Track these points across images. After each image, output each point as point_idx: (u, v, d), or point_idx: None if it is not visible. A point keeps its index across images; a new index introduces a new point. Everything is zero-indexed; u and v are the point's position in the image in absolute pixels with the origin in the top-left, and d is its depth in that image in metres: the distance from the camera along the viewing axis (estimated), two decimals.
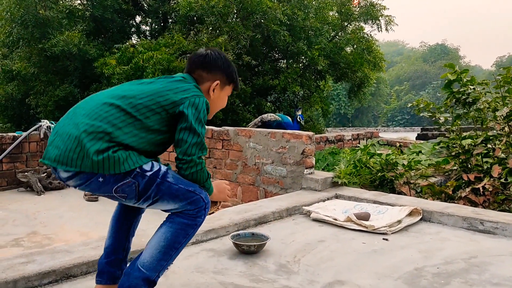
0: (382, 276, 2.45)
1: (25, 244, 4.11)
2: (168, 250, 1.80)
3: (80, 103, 1.87)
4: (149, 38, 13.05)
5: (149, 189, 1.76)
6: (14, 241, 4.21)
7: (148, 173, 1.76)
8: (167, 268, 1.90)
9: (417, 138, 11.35)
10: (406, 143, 8.72)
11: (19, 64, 11.28)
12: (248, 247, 2.75)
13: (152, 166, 1.78)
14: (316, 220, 3.49)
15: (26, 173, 6.51)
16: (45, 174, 6.65)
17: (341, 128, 30.18)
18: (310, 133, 4.31)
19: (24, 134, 6.66)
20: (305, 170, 4.26)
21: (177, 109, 1.82)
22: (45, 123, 6.88)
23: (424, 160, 5.48)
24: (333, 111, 36.60)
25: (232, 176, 4.99)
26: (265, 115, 7.94)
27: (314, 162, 4.31)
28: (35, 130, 6.84)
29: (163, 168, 1.82)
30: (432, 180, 4.69)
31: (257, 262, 2.65)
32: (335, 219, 3.38)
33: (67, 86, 11.28)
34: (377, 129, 20.56)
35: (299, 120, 7.84)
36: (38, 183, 6.38)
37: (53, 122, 7.13)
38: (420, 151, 6.38)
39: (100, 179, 1.70)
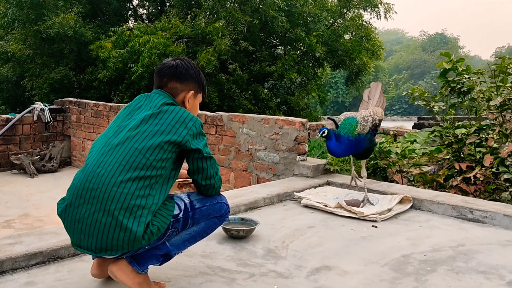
0: (369, 262, 2.46)
1: (16, 226, 4.12)
2: (196, 236, 2.04)
3: (90, 183, 1.79)
4: (146, 21, 12.94)
5: (187, 224, 1.96)
6: (5, 222, 4.22)
7: (180, 215, 1.92)
8: (184, 250, 2.07)
9: (413, 127, 11.34)
10: (402, 132, 8.72)
11: (14, 46, 11.16)
12: (237, 232, 2.76)
13: (180, 207, 1.93)
14: (306, 206, 3.50)
15: (19, 156, 6.50)
16: (38, 156, 6.64)
17: (338, 116, 30.12)
18: (304, 119, 4.30)
19: (18, 116, 6.63)
20: (298, 156, 4.26)
21: (184, 147, 1.88)
22: (38, 105, 6.86)
23: (418, 149, 5.49)
24: (331, 99, 36.55)
25: (225, 161, 4.99)
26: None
27: (306, 149, 4.30)
28: (28, 112, 6.81)
29: (187, 201, 1.97)
30: (425, 169, 4.70)
31: (246, 247, 2.66)
32: (326, 206, 3.39)
33: (62, 69, 11.19)
34: None
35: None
36: (31, 166, 6.37)
37: (46, 105, 7.10)
38: (415, 140, 6.39)
39: (147, 247, 1.85)
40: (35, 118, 6.79)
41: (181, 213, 1.92)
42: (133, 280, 1.88)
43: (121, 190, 1.75)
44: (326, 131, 3.30)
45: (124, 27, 10.67)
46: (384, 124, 12.35)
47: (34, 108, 6.80)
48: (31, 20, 10.38)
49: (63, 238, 2.43)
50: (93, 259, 2.08)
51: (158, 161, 1.82)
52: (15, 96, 12.74)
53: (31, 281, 2.11)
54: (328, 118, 3.57)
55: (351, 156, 3.64)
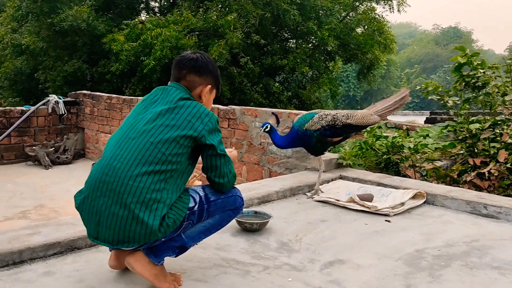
0: (382, 257, 2.47)
1: (32, 217, 4.19)
2: (211, 228, 2.08)
3: (106, 176, 1.82)
4: (158, 14, 12.97)
5: (202, 217, 1.98)
6: (21, 213, 4.29)
7: (196, 208, 1.94)
8: (199, 242, 2.10)
9: (425, 122, 11.20)
10: (414, 126, 8.66)
11: (28, 39, 11.28)
12: (251, 225, 2.78)
13: (195, 200, 1.95)
14: (319, 200, 3.51)
15: (34, 147, 6.59)
16: (53, 148, 6.72)
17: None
18: None
19: (32, 108, 6.71)
20: None
21: (200, 142, 1.90)
22: (53, 98, 6.93)
23: (431, 144, 5.45)
24: (342, 93, 36.35)
25: (238, 155, 5.01)
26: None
27: None
28: (43, 104, 6.89)
29: (202, 193, 2.00)
30: (438, 164, 4.67)
31: (259, 240, 2.68)
32: (338, 200, 3.40)
33: (75, 61, 11.29)
34: None
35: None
36: (46, 157, 6.45)
37: (61, 97, 7.18)
38: (427, 135, 6.34)
39: (163, 239, 1.88)
40: (50, 110, 6.87)
41: (196, 206, 1.94)
42: (150, 271, 1.91)
43: (136, 184, 1.77)
44: (268, 126, 3.40)
45: (137, 20, 10.72)
46: (396, 119, 12.25)
47: (49, 100, 6.88)
48: (44, 13, 10.48)
49: (80, 229, 2.47)
50: (110, 250, 2.11)
51: (173, 155, 1.83)
52: (28, 88, 12.89)
53: (49, 271, 2.15)
54: (272, 113, 3.58)
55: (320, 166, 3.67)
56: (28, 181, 5.55)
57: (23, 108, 6.79)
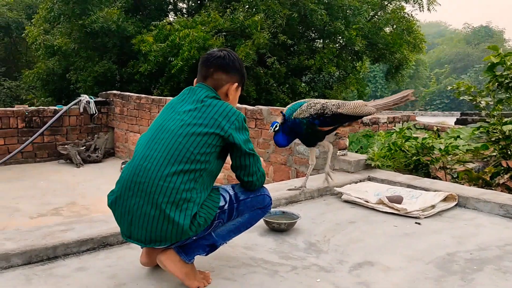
0: (412, 259, 2.43)
1: (65, 213, 4.30)
2: (241, 227, 2.11)
3: (138, 177, 1.85)
4: (185, 15, 13.10)
5: (232, 216, 2.02)
6: (54, 210, 4.41)
7: (226, 207, 1.97)
8: (229, 241, 2.12)
9: (456, 123, 11.00)
10: (444, 127, 8.49)
11: (60, 40, 11.57)
12: (279, 225, 2.78)
13: (225, 198, 1.98)
14: (347, 201, 3.48)
15: (66, 146, 6.76)
16: (84, 147, 6.88)
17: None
18: None
19: (65, 108, 6.88)
20: (338, 151, 4.23)
21: (227, 141, 1.91)
22: (84, 97, 7.09)
23: (462, 145, 5.34)
24: (369, 93, 35.91)
25: (265, 155, 5.02)
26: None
27: (347, 144, 4.27)
28: (75, 104, 7.06)
29: (231, 192, 2.03)
30: (470, 166, 4.58)
31: (287, 240, 2.68)
32: (367, 201, 3.36)
33: (105, 62, 11.52)
34: (414, 113, 20.08)
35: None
36: (78, 156, 6.61)
37: (92, 97, 7.33)
38: (458, 136, 6.20)
39: (194, 238, 1.91)
40: (81, 110, 7.03)
41: (227, 205, 1.97)
42: (181, 269, 1.94)
43: (167, 185, 1.80)
44: (277, 125, 3.22)
45: (165, 21, 10.86)
46: (425, 120, 12.07)
47: (80, 100, 7.05)
48: (76, 15, 10.73)
49: (112, 226, 2.52)
50: (142, 248, 2.15)
51: (202, 154, 1.85)
52: (60, 88, 13.23)
53: (82, 266, 2.21)
54: (281, 112, 3.40)
55: (310, 160, 3.54)
56: (61, 178, 5.70)
57: (56, 107, 6.97)
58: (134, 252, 2.38)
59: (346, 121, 3.41)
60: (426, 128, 8.98)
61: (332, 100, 3.36)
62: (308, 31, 12.92)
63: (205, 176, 1.90)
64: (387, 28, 12.93)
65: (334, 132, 4.25)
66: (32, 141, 5.76)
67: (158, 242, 1.84)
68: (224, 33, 10.50)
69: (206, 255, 2.06)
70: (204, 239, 1.98)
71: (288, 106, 3.36)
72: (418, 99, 40.90)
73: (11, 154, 5.54)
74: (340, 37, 12.25)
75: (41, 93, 14.06)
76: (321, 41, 13.11)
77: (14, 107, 6.95)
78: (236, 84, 2.10)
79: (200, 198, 1.87)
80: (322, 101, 3.30)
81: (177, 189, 1.81)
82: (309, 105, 3.23)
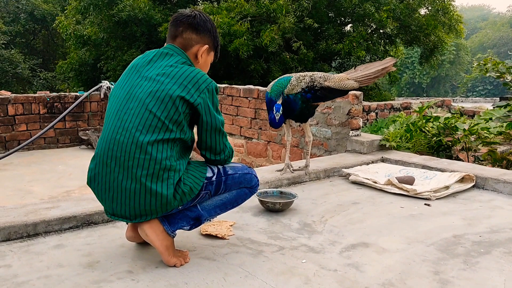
0: (413, 241, 2.24)
1: (75, 196, 4.30)
2: (227, 204, 2.02)
3: (113, 152, 1.75)
4: (213, 3, 13.00)
5: (219, 189, 1.94)
6: (65, 192, 4.43)
7: (214, 178, 1.91)
8: (214, 217, 2.04)
9: (494, 107, 10.43)
10: (478, 111, 8.05)
11: (90, 29, 11.75)
12: (273, 205, 2.64)
13: (213, 170, 1.92)
14: (355, 182, 3.29)
15: (87, 131, 6.82)
16: None
17: (413, 98, 28.69)
18: (358, 92, 4.03)
19: (85, 94, 6.94)
20: (351, 132, 4.02)
21: (196, 110, 1.79)
22: (105, 83, 7.12)
23: (493, 128, 4.99)
24: (406, 80, 34.85)
25: (277, 137, 4.86)
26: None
27: (361, 124, 4.05)
28: (96, 90, 7.11)
29: (220, 165, 1.98)
30: (500, 148, 4.25)
31: (281, 220, 2.54)
32: (375, 182, 3.16)
33: (134, 51, 11.62)
34: (453, 99, 19.27)
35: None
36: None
37: (112, 83, 7.36)
38: (490, 118, 5.83)
39: (180, 207, 1.85)
40: (102, 95, 7.07)
41: (214, 176, 1.91)
42: (162, 241, 1.85)
43: (143, 156, 1.71)
44: (281, 108, 2.97)
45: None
46: (464, 105, 11.47)
47: (101, 86, 7.09)
48: (105, 5, 10.85)
49: (98, 204, 2.44)
50: (127, 223, 2.06)
51: (173, 123, 1.75)
52: (92, 78, 13.48)
53: (60, 244, 2.15)
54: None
55: (287, 136, 3.29)
56: (79, 163, 5.75)
57: (77, 93, 7.04)
58: (117, 231, 2.31)
59: (333, 96, 3.22)
60: (461, 112, 8.54)
61: (317, 72, 3.16)
62: (336, 14, 12.53)
63: (181, 146, 1.82)
64: (422, 10, 12.36)
65: (347, 111, 4.05)
66: (52, 126, 5.81)
67: (144, 216, 1.78)
68: (249, 19, 10.33)
69: (189, 229, 1.97)
70: (189, 210, 1.91)
71: (270, 85, 3.12)
72: (460, 86, 39.35)
73: (30, 139, 5.62)
74: (370, 20, 11.81)
75: (75, 83, 14.38)
76: (351, 24, 12.70)
77: (36, 93, 7.07)
78: (207, 46, 1.95)
79: (180, 164, 1.79)
80: (309, 73, 3.12)
81: (154, 159, 1.72)
82: (298, 79, 3.04)
